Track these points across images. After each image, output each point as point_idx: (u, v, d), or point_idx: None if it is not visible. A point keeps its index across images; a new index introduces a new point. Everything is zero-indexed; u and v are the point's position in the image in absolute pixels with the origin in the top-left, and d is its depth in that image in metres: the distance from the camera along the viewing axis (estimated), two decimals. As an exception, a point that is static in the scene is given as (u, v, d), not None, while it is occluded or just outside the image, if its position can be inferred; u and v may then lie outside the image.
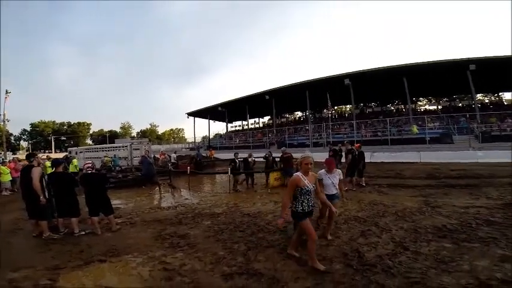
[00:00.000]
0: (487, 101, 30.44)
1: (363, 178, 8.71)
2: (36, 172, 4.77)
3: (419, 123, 20.01)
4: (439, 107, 29.53)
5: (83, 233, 4.87)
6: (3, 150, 25.82)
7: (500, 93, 30.78)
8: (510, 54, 18.24)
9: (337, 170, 4.48)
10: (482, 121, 18.32)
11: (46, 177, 5.10)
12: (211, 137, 37.04)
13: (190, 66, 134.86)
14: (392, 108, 32.02)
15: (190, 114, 35.52)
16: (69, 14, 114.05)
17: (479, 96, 28.98)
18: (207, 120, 36.29)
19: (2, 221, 5.96)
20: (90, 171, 5.17)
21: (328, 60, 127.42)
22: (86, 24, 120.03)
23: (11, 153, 37.83)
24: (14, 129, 60.89)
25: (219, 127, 42.66)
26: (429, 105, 33.58)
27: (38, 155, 5.87)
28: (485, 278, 2.78)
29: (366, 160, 9.24)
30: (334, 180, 4.28)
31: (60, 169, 5.13)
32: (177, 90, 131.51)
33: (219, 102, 31.50)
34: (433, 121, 20.95)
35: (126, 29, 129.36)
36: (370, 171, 10.35)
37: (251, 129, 35.27)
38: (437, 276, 2.89)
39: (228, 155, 11.91)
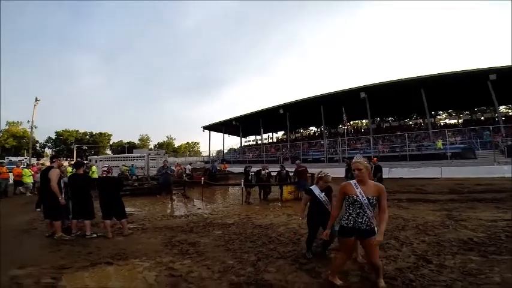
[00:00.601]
0: (511, 113, 29.04)
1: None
2: (53, 174, 4.88)
3: (440, 138, 19.28)
4: (460, 121, 28.44)
5: (95, 235, 4.93)
6: (28, 156, 27.04)
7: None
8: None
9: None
10: (508, 134, 17.39)
11: (65, 179, 5.25)
12: (225, 151, 37.29)
13: (206, 80, 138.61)
14: (411, 122, 31.16)
15: (205, 128, 36.17)
16: (88, 25, 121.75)
17: (502, 108, 27.74)
18: (222, 134, 36.72)
19: (18, 221, 6.16)
20: (105, 175, 5.27)
21: (343, 73, 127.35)
22: (104, 35, 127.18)
23: (36, 159, 39.47)
24: (40, 136, 64.41)
25: (233, 141, 43.07)
26: (449, 119, 32.40)
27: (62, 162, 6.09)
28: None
29: (384, 176, 8.92)
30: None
31: (81, 171, 5.28)
32: (193, 104, 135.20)
33: (234, 117, 31.88)
34: (455, 135, 20.11)
35: (143, 41, 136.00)
36: (388, 186, 9.78)
37: (265, 143, 35.25)
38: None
39: (242, 169, 11.90)
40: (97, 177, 12.10)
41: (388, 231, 4.92)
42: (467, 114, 28.94)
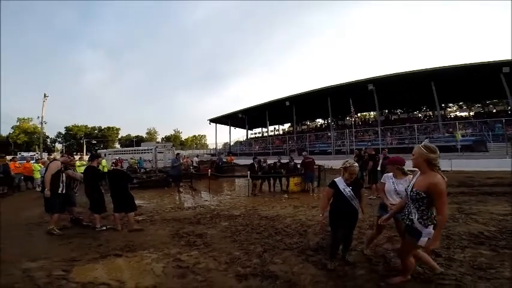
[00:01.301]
0: (525, 106, 28.13)
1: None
2: (51, 166, 4.88)
3: (450, 130, 18.87)
4: (471, 113, 27.73)
5: (104, 228, 5.01)
6: (39, 151, 27.64)
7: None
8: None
9: (409, 175, 3.24)
10: (521, 127, 16.89)
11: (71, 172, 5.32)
12: (231, 143, 37.35)
13: (212, 73, 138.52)
14: (420, 115, 30.53)
15: (212, 120, 36.22)
16: (96, 21, 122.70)
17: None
18: (228, 126, 36.73)
19: (29, 215, 6.27)
20: (113, 167, 5.34)
21: (351, 65, 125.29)
22: (112, 31, 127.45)
23: (47, 154, 40.32)
24: (51, 132, 65.61)
25: (239, 134, 43.09)
26: (460, 112, 31.58)
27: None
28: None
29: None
30: (398, 186, 3.26)
31: (95, 164, 5.38)
32: (199, 97, 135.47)
33: (240, 109, 31.78)
34: (465, 128, 19.65)
35: (150, 36, 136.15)
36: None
37: (271, 136, 35.16)
38: (473, 283, 2.64)
39: (248, 161, 11.95)
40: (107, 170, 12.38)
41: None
42: (478, 106, 28.17)
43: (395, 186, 3.27)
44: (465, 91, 23.42)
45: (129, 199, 5.17)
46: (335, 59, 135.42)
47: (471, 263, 3.10)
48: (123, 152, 22.02)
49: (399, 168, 3.27)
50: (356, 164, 3.20)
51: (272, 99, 28.24)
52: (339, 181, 3.20)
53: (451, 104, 33.92)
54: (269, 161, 10.49)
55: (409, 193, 2.40)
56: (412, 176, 3.09)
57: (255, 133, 41.14)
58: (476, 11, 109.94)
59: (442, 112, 26.99)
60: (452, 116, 28.22)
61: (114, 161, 5.59)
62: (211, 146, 42.31)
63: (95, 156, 5.64)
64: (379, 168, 7.90)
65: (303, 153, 10.43)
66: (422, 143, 2.36)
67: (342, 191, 3.12)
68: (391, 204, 3.19)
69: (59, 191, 4.90)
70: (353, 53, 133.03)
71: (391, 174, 3.38)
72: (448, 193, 7.08)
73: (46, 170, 4.97)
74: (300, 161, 9.83)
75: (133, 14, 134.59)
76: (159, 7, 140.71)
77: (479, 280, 2.69)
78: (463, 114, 29.47)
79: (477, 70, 18.06)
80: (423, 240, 2.29)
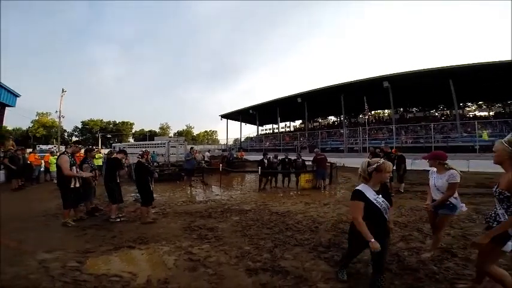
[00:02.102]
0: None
1: (403, 184, 8.11)
2: (62, 163, 4.84)
3: (469, 129, 18.21)
4: (491, 113, 26.65)
5: (118, 220, 5.13)
6: (57, 144, 28.57)
7: None
8: None
9: (451, 170, 3.11)
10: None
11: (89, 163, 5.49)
12: (242, 139, 37.46)
13: (224, 69, 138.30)
14: (437, 113, 29.62)
15: (223, 116, 36.40)
16: (109, 16, 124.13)
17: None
18: (239, 122, 36.82)
19: (47, 207, 6.44)
20: (138, 159, 5.47)
21: (365, 61, 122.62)
22: (124, 25, 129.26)
23: (64, 147, 41.65)
24: (68, 126, 67.68)
25: (250, 130, 43.13)
26: (479, 111, 30.41)
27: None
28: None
29: (407, 167, 8.57)
30: (437, 182, 3.11)
31: (116, 156, 5.62)
32: (211, 93, 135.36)
33: (251, 105, 31.77)
34: (484, 127, 18.91)
35: (162, 31, 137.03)
36: (411, 178, 9.63)
37: (282, 132, 35.02)
38: (490, 283, 2.51)
39: (258, 157, 11.97)
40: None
41: (411, 222, 4.79)
42: (499, 106, 27.02)
43: (434, 182, 3.18)
44: (485, 90, 22.43)
45: (141, 192, 5.21)
46: (346, 57, 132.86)
47: (489, 264, 2.97)
48: (137, 146, 22.52)
49: (441, 163, 3.19)
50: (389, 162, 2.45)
51: (284, 95, 28.05)
52: (365, 189, 2.38)
53: (469, 103, 32.72)
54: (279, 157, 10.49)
55: (494, 193, 2.16)
56: (453, 170, 3.07)
57: (266, 129, 41.11)
58: (494, 9, 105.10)
59: (460, 111, 26.09)
60: (471, 116, 27.24)
61: (140, 152, 5.68)
62: (222, 141, 42.51)
63: (122, 151, 5.93)
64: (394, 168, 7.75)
65: (315, 150, 10.34)
66: (506, 138, 2.12)
67: (374, 201, 2.33)
68: (433, 199, 3.18)
69: (72, 186, 4.91)
70: (366, 50, 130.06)
71: (434, 169, 3.29)
72: (464, 194, 6.86)
73: (59, 167, 4.92)
74: (311, 158, 9.76)
75: (147, 8, 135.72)
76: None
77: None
78: (483, 113, 28.38)
79: (498, 69, 17.28)
80: (510, 245, 2.00)
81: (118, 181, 5.40)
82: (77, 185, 5.01)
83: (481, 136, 16.78)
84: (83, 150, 7.20)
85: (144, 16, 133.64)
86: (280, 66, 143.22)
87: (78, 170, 5.15)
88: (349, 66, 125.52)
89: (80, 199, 5.34)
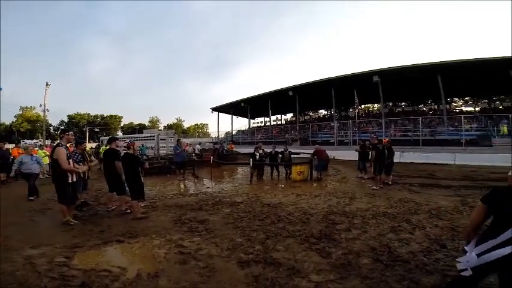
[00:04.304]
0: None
1: (390, 176, 8.21)
2: (60, 155, 4.42)
3: (455, 124, 18.64)
4: (477, 109, 27.39)
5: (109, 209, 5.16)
6: (42, 138, 27.76)
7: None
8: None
9: None
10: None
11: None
12: (234, 132, 37.25)
13: (216, 62, 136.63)
14: (425, 108, 30.20)
15: (214, 109, 35.97)
16: (101, 7, 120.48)
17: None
18: (230, 115, 36.55)
19: (32, 202, 6.23)
20: (125, 151, 5.32)
21: (356, 57, 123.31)
22: (117, 17, 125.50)
23: (50, 141, 40.59)
24: (54, 120, 65.64)
25: (241, 123, 42.86)
26: (465, 106, 31.21)
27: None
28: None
29: (395, 160, 8.69)
30: None
31: (113, 146, 5.44)
32: (202, 86, 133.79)
33: (242, 98, 31.52)
34: (470, 122, 19.40)
35: (154, 22, 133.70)
36: (399, 170, 9.80)
37: (273, 125, 34.99)
38: None
39: (249, 150, 11.93)
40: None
41: (400, 213, 4.85)
42: (484, 102, 27.80)
43: None
44: (472, 86, 22.97)
45: (129, 184, 5.02)
46: (338, 52, 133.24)
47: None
48: (126, 139, 22.02)
49: None
50: None
51: (275, 88, 27.95)
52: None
53: (456, 99, 33.52)
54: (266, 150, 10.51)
55: None
56: None
57: (257, 122, 40.99)
58: (481, 8, 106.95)
59: (448, 106, 26.67)
60: (458, 111, 27.91)
61: (125, 144, 5.43)
62: (213, 134, 42.20)
63: (113, 139, 5.69)
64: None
65: (315, 146, 10.62)
66: None
67: None
68: None
69: (69, 180, 4.54)
70: (357, 47, 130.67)
71: None
72: (450, 186, 7.00)
73: (54, 159, 4.51)
74: (302, 151, 9.86)
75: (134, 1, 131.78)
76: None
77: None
78: (469, 109, 29.14)
79: (485, 65, 17.63)
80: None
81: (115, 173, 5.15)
82: (74, 179, 4.65)
83: (501, 130, 16.39)
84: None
85: (134, 8, 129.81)
86: (273, 60, 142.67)
87: (74, 163, 4.84)
88: (340, 61, 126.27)
89: (75, 195, 4.99)
